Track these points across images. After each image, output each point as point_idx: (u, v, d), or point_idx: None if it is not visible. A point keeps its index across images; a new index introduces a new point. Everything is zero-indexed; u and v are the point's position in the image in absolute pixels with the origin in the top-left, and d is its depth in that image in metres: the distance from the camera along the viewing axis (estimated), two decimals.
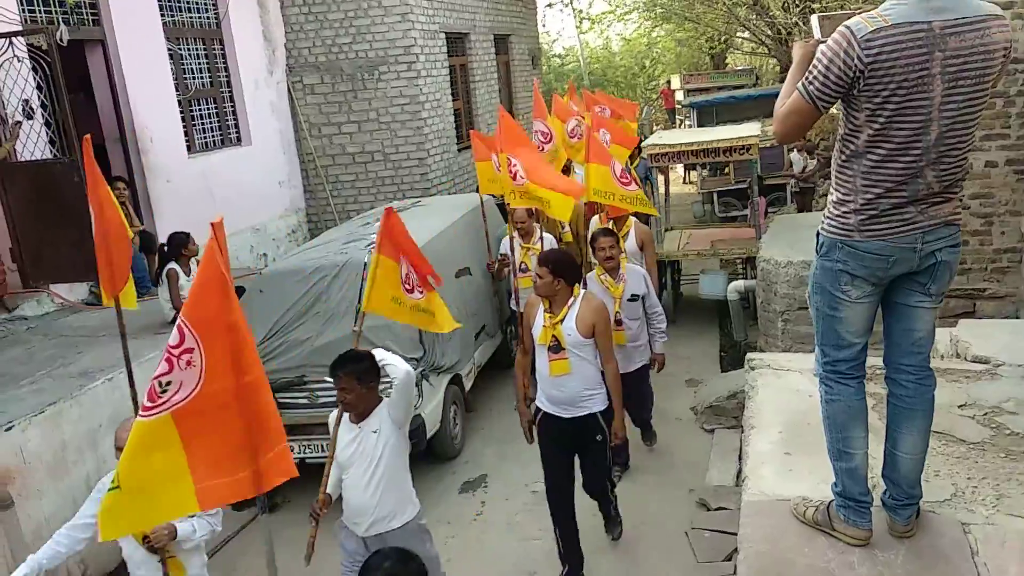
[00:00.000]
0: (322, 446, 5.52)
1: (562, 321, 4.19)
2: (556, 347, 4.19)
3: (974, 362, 4.31)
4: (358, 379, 3.57)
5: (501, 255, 7.17)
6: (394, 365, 3.64)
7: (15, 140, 6.55)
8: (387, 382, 3.78)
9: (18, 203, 6.57)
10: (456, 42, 12.33)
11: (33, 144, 6.70)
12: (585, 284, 5.12)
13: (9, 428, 4.52)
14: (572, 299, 4.23)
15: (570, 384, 4.24)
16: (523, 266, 6.48)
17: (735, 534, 3.70)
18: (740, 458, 5.51)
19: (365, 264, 5.84)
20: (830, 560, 2.75)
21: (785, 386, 4.21)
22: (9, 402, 4.86)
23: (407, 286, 4.06)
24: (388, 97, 10.69)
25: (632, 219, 6.48)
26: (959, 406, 3.79)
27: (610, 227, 5.78)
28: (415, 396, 3.43)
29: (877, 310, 2.73)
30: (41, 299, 6.87)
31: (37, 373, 5.34)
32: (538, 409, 4.43)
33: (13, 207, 6.57)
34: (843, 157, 2.58)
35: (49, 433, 4.74)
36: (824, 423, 2.83)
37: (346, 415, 3.70)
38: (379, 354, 3.72)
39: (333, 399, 5.43)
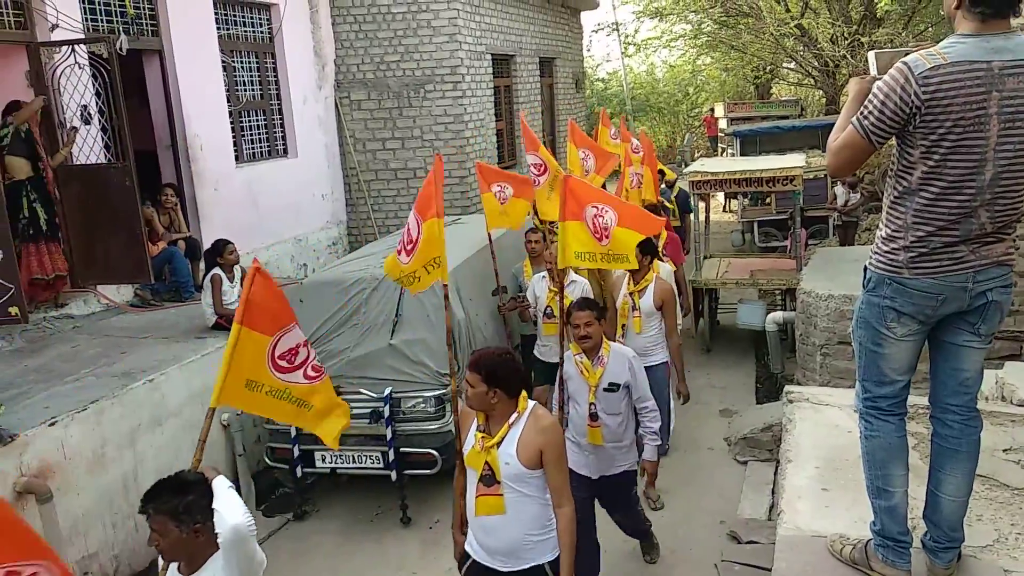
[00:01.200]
0: (353, 457, 5.57)
1: (498, 444, 3.07)
2: (489, 478, 3.07)
3: (1020, 406, 4.22)
4: (175, 519, 2.52)
5: (520, 296, 6.29)
6: (219, 513, 2.53)
7: (71, 145, 6.75)
8: None
9: (71, 205, 6.76)
10: (502, 63, 12.46)
11: (89, 149, 6.89)
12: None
13: (52, 423, 4.62)
14: (515, 416, 3.09)
15: (506, 529, 3.09)
16: (548, 310, 5.77)
17: (766, 569, 3.65)
18: (773, 491, 5.42)
19: None
20: None
21: (824, 421, 4.16)
22: (53, 398, 4.97)
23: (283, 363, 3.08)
24: (432, 115, 10.82)
25: (660, 266, 5.94)
26: (1004, 450, 3.71)
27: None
28: (255, 552, 2.60)
29: (922, 348, 2.69)
30: (88, 299, 7.03)
31: (81, 371, 5.46)
32: (466, 555, 3.30)
33: (66, 209, 6.76)
34: (895, 193, 2.57)
35: (90, 430, 4.84)
36: (863, 459, 2.79)
37: (173, 565, 2.66)
38: (218, 488, 2.61)
39: (367, 410, 5.52)
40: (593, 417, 4.20)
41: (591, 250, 4.27)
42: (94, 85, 6.86)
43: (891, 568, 2.74)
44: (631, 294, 5.48)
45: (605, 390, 4.20)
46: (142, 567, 5.14)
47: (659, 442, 4.41)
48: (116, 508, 4.98)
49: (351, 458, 5.57)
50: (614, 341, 4.75)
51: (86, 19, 7.18)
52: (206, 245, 7.87)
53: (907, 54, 2.50)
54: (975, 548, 2.94)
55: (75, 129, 6.82)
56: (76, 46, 6.71)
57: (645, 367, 4.61)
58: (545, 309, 5.85)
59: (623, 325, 5.48)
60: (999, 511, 3.22)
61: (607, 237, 4.21)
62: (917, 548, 2.80)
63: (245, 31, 9.46)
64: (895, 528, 2.72)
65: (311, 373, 3.11)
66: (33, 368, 5.57)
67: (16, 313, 5.79)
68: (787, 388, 4.70)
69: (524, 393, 3.14)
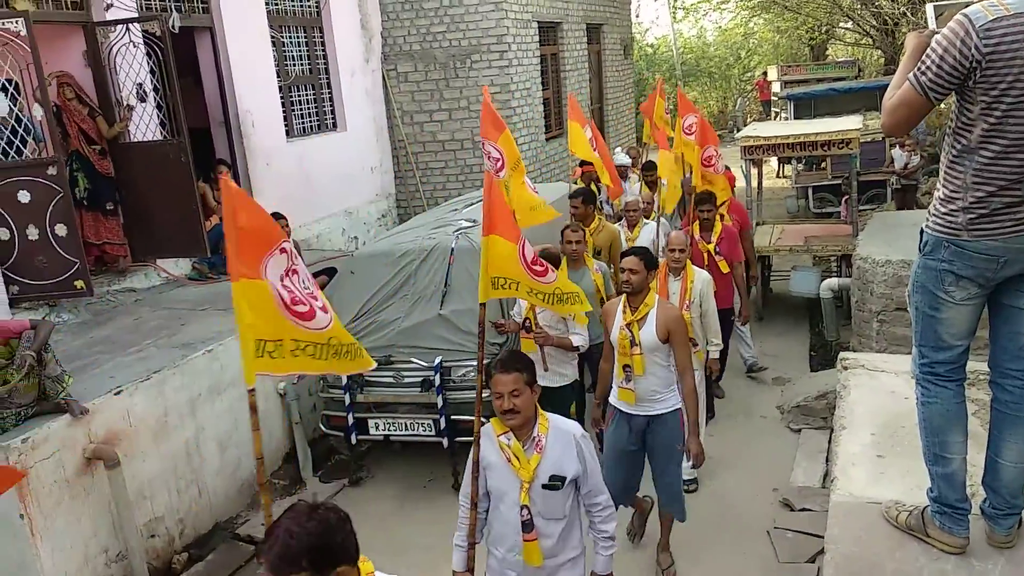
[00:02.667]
0: (406, 424, 5.67)
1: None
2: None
3: None
4: None
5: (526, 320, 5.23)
6: None
7: (127, 122, 6.92)
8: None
9: (129, 181, 6.96)
10: (548, 31, 12.32)
11: (145, 126, 7.05)
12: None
13: (118, 392, 4.81)
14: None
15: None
16: (527, 323, 5.05)
17: (819, 536, 3.63)
18: (827, 460, 5.36)
19: (452, 249, 5.95)
20: (922, 567, 2.68)
21: (879, 387, 4.09)
22: (118, 368, 5.16)
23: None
24: (479, 86, 10.77)
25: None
26: None
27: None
28: None
29: (982, 312, 2.63)
30: (148, 272, 7.25)
31: (144, 342, 5.65)
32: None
33: (124, 185, 6.96)
34: (954, 152, 2.49)
35: (153, 399, 5.02)
36: (920, 426, 2.75)
37: None
38: None
39: (418, 379, 5.61)
40: (527, 526, 3.05)
41: (515, 276, 3.57)
42: (148, 63, 7.00)
43: (949, 535, 2.71)
44: (628, 325, 4.18)
45: (545, 487, 3.04)
46: (206, 530, 5.35)
47: (615, 548, 3.28)
48: (180, 474, 5.18)
49: (404, 425, 5.67)
50: (625, 384, 4.21)
51: None
52: None
53: (967, 5, 2.41)
54: None
55: (131, 107, 6.99)
56: (130, 25, 6.84)
57: (652, 416, 4.21)
58: (524, 322, 5.07)
59: (625, 366, 4.20)
60: None
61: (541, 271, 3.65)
62: (976, 515, 2.76)
63: (293, 6, 9.52)
64: (953, 495, 2.68)
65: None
66: (99, 340, 5.78)
67: (82, 286, 6.01)
68: (842, 355, 4.63)
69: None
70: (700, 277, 5.44)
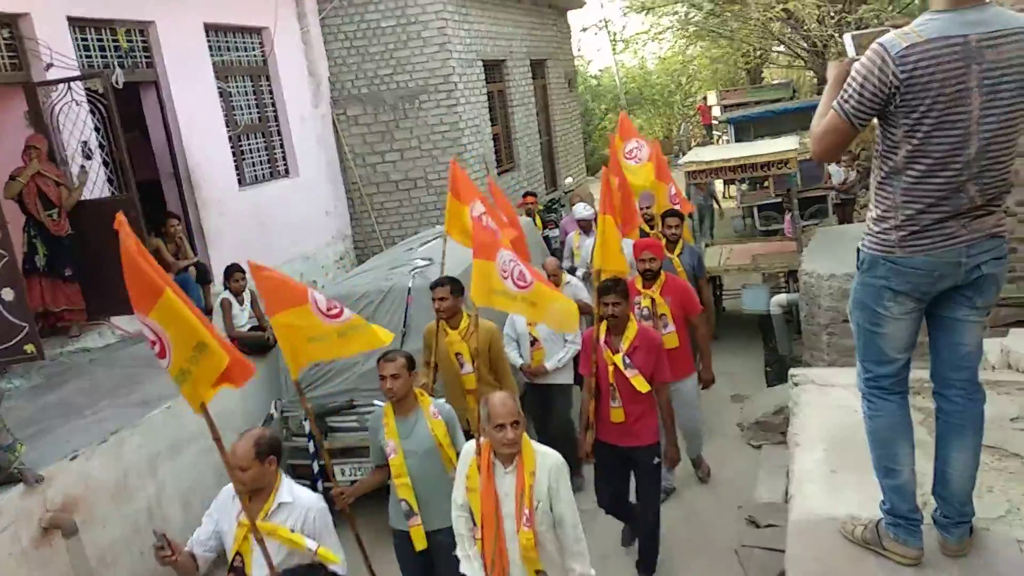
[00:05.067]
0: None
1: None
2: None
3: None
4: None
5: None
6: None
7: (83, 184, 6.80)
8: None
9: (81, 240, 6.84)
10: (493, 69, 12.52)
11: (92, 183, 6.97)
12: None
13: (74, 457, 4.70)
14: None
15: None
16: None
17: (785, 552, 3.68)
18: (788, 474, 5.45)
19: (409, 289, 5.98)
20: None
21: (830, 402, 4.16)
22: (73, 432, 5.05)
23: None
24: (429, 125, 10.89)
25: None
26: (1012, 419, 3.71)
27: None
28: None
29: (920, 325, 2.69)
30: (103, 331, 7.12)
31: (99, 403, 5.54)
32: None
33: (75, 244, 6.84)
34: (882, 174, 2.56)
35: (112, 461, 4.92)
36: (868, 439, 2.78)
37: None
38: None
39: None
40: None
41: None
42: (93, 120, 6.94)
43: (903, 546, 2.72)
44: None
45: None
46: None
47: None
48: (143, 536, 5.05)
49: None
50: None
51: (80, 56, 7.26)
52: (216, 269, 7.97)
53: (883, 33, 2.50)
54: (987, 520, 2.92)
55: (84, 168, 6.86)
56: (72, 83, 6.78)
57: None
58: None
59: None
60: (1009, 481, 3.20)
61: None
62: (929, 525, 2.79)
63: (238, 56, 9.54)
64: (904, 506, 2.71)
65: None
66: (52, 404, 5.65)
67: (32, 351, 5.88)
68: (792, 371, 4.71)
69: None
70: (546, 463, 3.32)
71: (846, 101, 2.50)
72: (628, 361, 4.42)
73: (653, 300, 5.39)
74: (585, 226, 7.96)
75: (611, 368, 4.48)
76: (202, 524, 3.30)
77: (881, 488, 2.79)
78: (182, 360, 2.90)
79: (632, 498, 4.87)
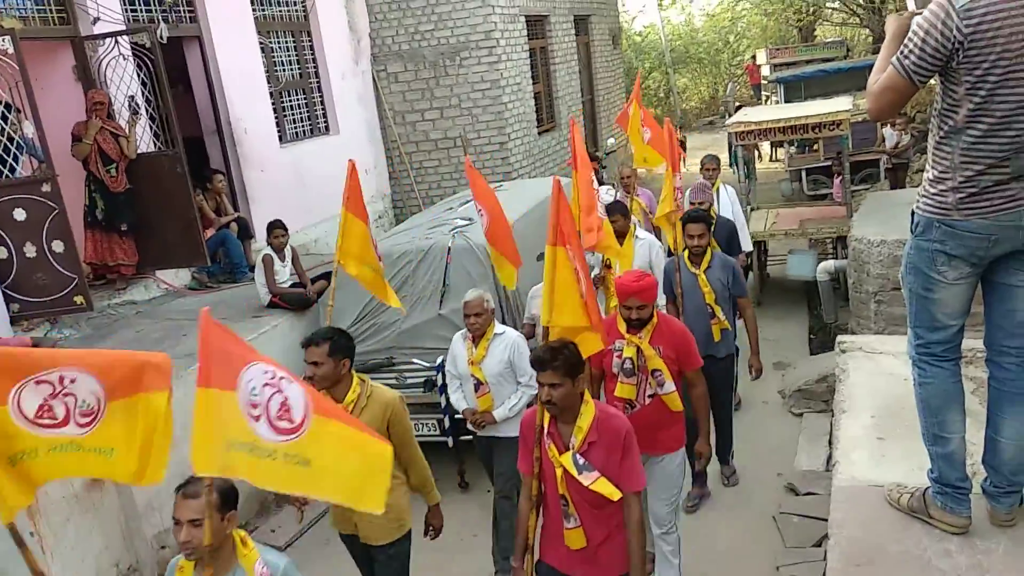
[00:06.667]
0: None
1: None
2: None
3: None
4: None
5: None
6: None
7: (134, 134, 6.88)
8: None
9: (133, 195, 6.95)
10: (536, 25, 12.31)
11: (139, 138, 7.06)
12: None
13: None
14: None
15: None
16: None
17: (824, 520, 3.66)
18: (830, 443, 5.39)
19: (449, 249, 5.97)
20: (925, 548, 2.68)
21: (878, 369, 4.10)
22: None
23: None
24: (469, 83, 10.78)
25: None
26: None
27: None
28: None
29: (975, 291, 2.63)
30: (148, 284, 7.27)
31: None
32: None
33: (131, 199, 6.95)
34: (941, 133, 2.50)
35: None
36: (918, 407, 2.75)
37: None
38: None
39: (420, 379, 5.63)
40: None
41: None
42: (139, 75, 7.01)
43: (950, 515, 2.71)
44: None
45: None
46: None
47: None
48: None
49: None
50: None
51: (126, 10, 7.32)
52: (257, 226, 8.05)
53: None
54: None
55: (136, 113, 6.95)
56: (119, 38, 6.85)
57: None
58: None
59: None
60: None
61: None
62: (977, 494, 2.76)
63: (280, 11, 9.52)
64: (953, 475, 2.68)
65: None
66: None
67: (81, 302, 6.03)
68: (840, 338, 4.64)
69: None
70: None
71: (906, 56, 2.42)
72: (582, 462, 2.99)
73: (639, 350, 3.90)
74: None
75: (559, 472, 3.02)
76: None
77: (930, 456, 2.76)
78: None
79: None
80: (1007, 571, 2.55)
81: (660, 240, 6.19)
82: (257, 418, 2.34)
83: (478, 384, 4.58)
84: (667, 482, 4.05)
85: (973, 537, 2.69)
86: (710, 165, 7.21)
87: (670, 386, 3.91)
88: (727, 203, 6.98)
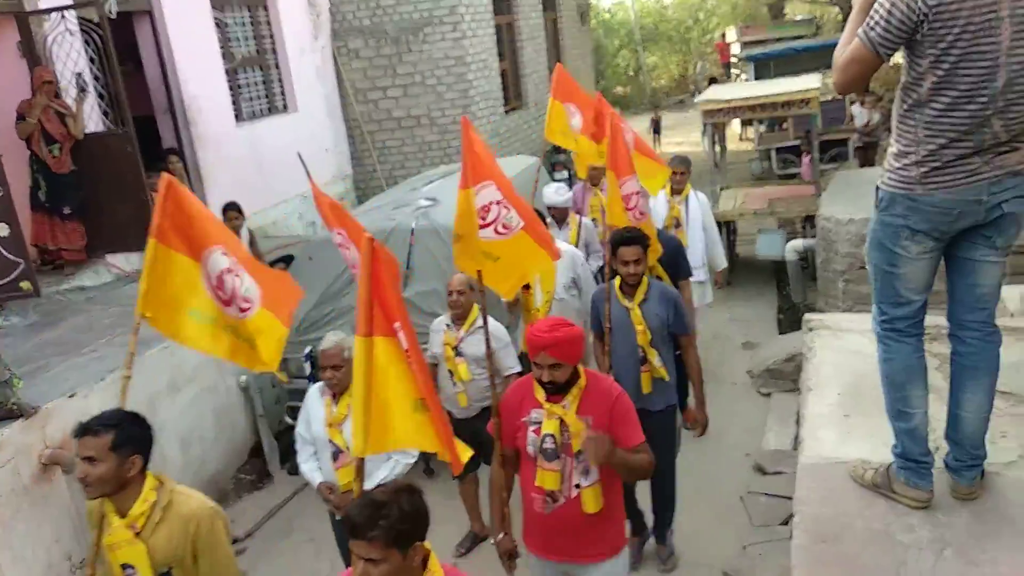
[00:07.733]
0: None
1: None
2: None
3: None
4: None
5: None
6: None
7: (81, 113, 6.63)
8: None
9: (79, 176, 6.71)
10: (502, 0, 12.13)
11: (87, 117, 6.81)
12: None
13: (72, 395, 4.66)
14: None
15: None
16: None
17: (791, 498, 3.62)
18: (798, 422, 5.39)
19: (412, 230, 5.84)
20: (889, 523, 2.68)
21: (844, 347, 4.09)
22: (71, 370, 5.00)
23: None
24: (433, 59, 10.59)
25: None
26: None
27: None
28: None
29: (938, 266, 2.63)
30: (99, 269, 7.04)
31: (97, 342, 5.48)
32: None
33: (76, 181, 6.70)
34: (905, 107, 2.50)
35: (110, 400, 4.86)
36: (882, 383, 2.75)
37: None
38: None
39: None
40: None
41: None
42: (87, 51, 6.75)
43: (913, 489, 2.71)
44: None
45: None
46: None
47: None
48: None
49: None
50: None
51: None
52: (213, 209, 7.83)
53: None
54: (999, 465, 2.88)
55: (84, 91, 6.68)
56: (66, 12, 6.58)
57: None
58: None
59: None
60: (1023, 427, 3.15)
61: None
62: (940, 469, 2.76)
63: None
64: (916, 449, 2.69)
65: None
66: (50, 341, 5.59)
67: (28, 288, 5.79)
68: (806, 316, 4.62)
69: None
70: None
71: (871, 28, 2.41)
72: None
73: (563, 423, 2.96)
74: (559, 215, 5.87)
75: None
76: None
77: (894, 431, 2.75)
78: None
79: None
80: (968, 544, 2.56)
81: None
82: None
83: (337, 452, 3.64)
84: None
85: (935, 511, 2.70)
86: (679, 169, 6.07)
87: (594, 477, 2.97)
88: (697, 214, 6.11)
